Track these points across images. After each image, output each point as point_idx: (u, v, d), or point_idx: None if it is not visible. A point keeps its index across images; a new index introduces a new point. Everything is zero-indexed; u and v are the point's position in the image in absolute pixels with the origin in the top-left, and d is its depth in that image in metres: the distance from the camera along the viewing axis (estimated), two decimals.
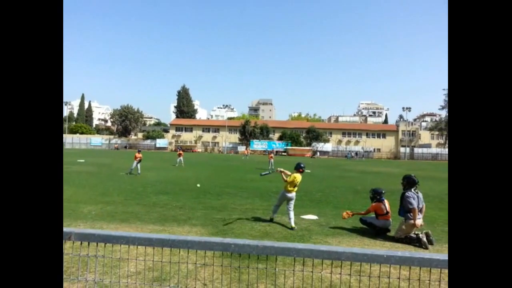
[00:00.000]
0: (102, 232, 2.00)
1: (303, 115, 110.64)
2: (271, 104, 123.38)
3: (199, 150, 73.21)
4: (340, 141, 73.41)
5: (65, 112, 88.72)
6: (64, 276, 4.01)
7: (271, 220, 7.28)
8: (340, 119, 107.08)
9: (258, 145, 68.87)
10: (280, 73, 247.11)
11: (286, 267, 4.15)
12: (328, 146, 69.79)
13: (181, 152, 26.63)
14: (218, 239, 1.93)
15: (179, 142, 74.30)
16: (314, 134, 68.69)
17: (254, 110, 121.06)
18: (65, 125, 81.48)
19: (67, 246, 2.11)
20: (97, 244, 2.00)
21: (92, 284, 3.65)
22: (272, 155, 26.28)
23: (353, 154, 60.51)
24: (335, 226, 7.02)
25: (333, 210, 8.77)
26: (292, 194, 7.10)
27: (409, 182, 6.20)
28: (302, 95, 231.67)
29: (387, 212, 6.55)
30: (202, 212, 8.07)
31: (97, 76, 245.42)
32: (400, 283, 3.47)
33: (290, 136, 69.27)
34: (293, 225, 6.71)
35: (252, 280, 3.95)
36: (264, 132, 70.53)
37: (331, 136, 73.45)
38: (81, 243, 2.03)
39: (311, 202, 10.07)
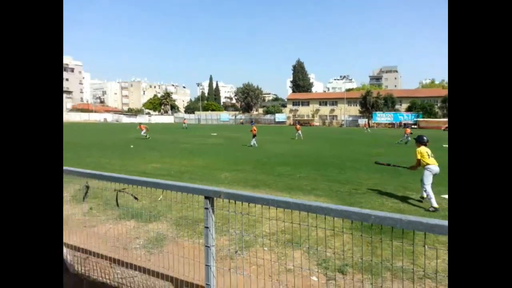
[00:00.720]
0: (246, 193, 2.20)
1: (437, 82, 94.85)
2: (396, 71, 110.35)
3: (317, 124, 72.81)
4: None
5: (198, 92, 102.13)
6: (214, 227, 4.75)
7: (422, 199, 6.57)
8: None
9: (382, 117, 63.33)
10: (406, 35, 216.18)
11: (428, 246, 3.75)
12: None
13: (298, 126, 27.39)
14: (356, 209, 1.83)
15: (296, 116, 75.63)
16: None
17: (376, 79, 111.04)
18: (199, 104, 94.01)
19: (219, 203, 2.43)
20: (242, 203, 2.22)
21: (234, 238, 4.18)
22: (408, 129, 23.77)
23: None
24: None
25: None
26: (435, 167, 6.25)
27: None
28: (435, 59, 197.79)
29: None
30: (326, 184, 8.06)
31: (221, 59, 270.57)
32: None
33: (421, 106, 60.88)
34: (435, 205, 5.91)
35: (387, 255, 3.74)
36: (388, 102, 64.14)
37: None
38: (229, 201, 2.30)
39: None
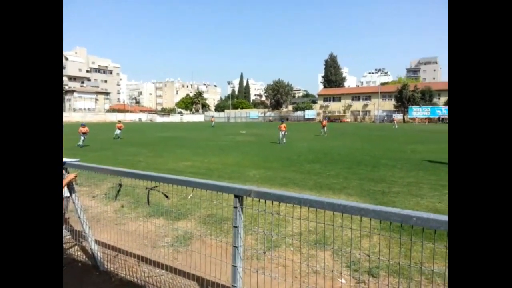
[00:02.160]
0: (276, 192, 2.15)
1: None
2: (436, 63, 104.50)
3: (348, 120, 70.89)
4: None
5: (228, 90, 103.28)
6: (243, 227, 4.75)
7: None
8: None
9: (418, 111, 60.26)
10: (445, 24, 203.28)
11: None
12: None
13: (324, 122, 27.16)
14: (396, 210, 1.73)
15: (326, 112, 74.12)
16: None
17: (414, 72, 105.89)
18: (229, 102, 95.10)
19: (249, 201, 2.40)
20: (272, 202, 2.17)
21: (262, 238, 4.15)
22: None
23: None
24: None
25: None
26: None
27: None
28: None
29: None
30: (357, 183, 7.79)
31: (252, 56, 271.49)
32: None
33: None
34: None
35: (425, 259, 3.52)
36: (426, 96, 60.87)
37: None
38: (259, 200, 2.25)
39: None
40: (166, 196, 3.03)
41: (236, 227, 2.38)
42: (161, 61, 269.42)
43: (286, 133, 19.16)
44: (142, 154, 14.00)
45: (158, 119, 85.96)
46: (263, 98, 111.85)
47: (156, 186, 2.93)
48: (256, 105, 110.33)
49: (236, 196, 2.34)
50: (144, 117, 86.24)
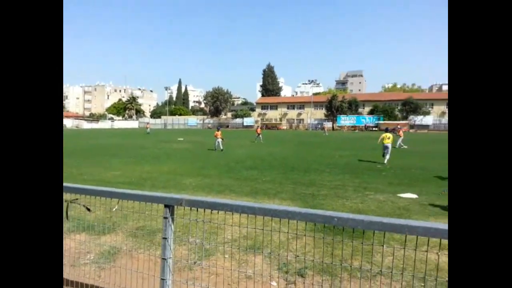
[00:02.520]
0: (209, 200, 2.13)
1: (398, 86, 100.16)
2: (361, 75, 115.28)
3: (284, 127, 73.93)
4: (443, 113, 64.35)
5: (166, 96, 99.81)
6: (173, 238, 4.58)
7: None
8: (444, 87, 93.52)
9: (346, 120, 65.65)
10: (372, 42, 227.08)
11: (381, 244, 3.87)
12: (428, 119, 61.99)
13: (259, 129, 28.09)
14: (320, 211, 1.85)
15: (264, 120, 76.35)
16: (412, 106, 61.54)
17: (342, 83, 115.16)
18: (167, 108, 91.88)
19: (179, 211, 2.34)
20: (204, 210, 2.14)
21: (195, 247, 4.06)
22: (399, 132, 20.65)
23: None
24: (439, 205, 6.24)
25: (435, 189, 7.81)
26: None
27: None
28: (398, 64, 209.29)
29: None
30: (290, 187, 8.14)
31: (190, 62, 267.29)
32: None
33: (382, 109, 63.85)
34: None
35: (346, 255, 3.81)
36: (352, 106, 66.64)
37: (432, 108, 64.89)
38: (190, 209, 2.21)
39: (410, 180, 9.16)
40: (88, 209, 2.78)
41: (165, 238, 2.29)
42: (91, 64, 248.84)
43: (222, 140, 19.14)
44: (66, 164, 12.64)
45: (86, 125, 78.99)
46: (202, 105, 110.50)
47: (77, 199, 2.67)
48: (195, 112, 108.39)
49: (166, 206, 2.26)
50: (70, 123, 78.40)
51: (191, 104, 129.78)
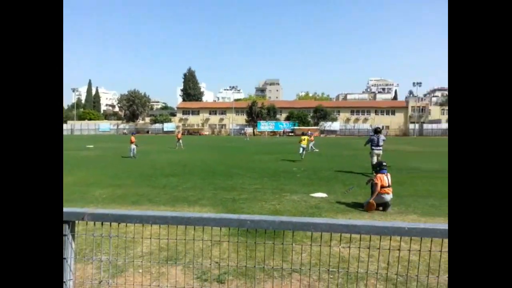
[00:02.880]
0: (116, 212, 1.94)
1: (310, 94, 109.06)
2: (278, 84, 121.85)
3: (206, 133, 73.39)
4: (348, 120, 72.55)
5: (73, 99, 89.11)
6: (78, 257, 4.07)
7: None
8: (348, 97, 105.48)
9: (265, 125, 68.58)
10: (287, 52, 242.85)
11: (298, 243, 4.12)
12: (336, 125, 69.09)
13: (180, 134, 27.43)
14: (234, 216, 1.85)
15: (186, 125, 74.57)
16: (322, 113, 67.83)
17: (261, 91, 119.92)
18: (74, 112, 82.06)
19: (80, 227, 2.07)
20: (110, 224, 1.94)
21: (106, 264, 3.68)
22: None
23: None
24: (344, 203, 6.96)
25: (342, 188, 8.69)
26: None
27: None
28: (310, 74, 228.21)
29: (388, 185, 6.48)
30: (212, 193, 8.08)
31: (103, 62, 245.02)
32: (411, 256, 3.39)
33: (297, 116, 68.65)
34: None
35: (265, 256, 3.94)
36: (271, 112, 70.00)
37: (339, 114, 72.54)
38: (94, 224, 1.98)
39: (320, 181, 10.00)
40: None
41: (64, 258, 2.01)
42: None
43: (137, 147, 17.95)
44: None
45: None
46: (117, 109, 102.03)
47: None
48: (107, 116, 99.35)
49: (65, 222, 1.98)
50: None
51: (103, 107, 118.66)
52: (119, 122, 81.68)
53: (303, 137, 17.11)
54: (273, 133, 67.29)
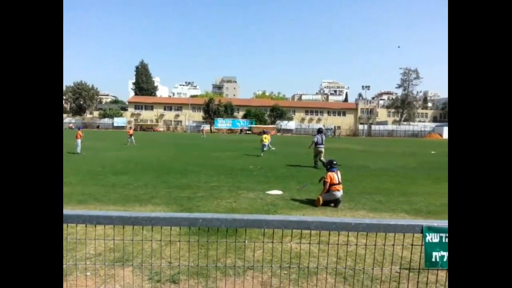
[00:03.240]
0: None
1: (267, 93, 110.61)
2: (235, 82, 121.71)
3: (161, 129, 70.90)
4: (303, 119, 74.96)
5: None
6: None
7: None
8: (303, 97, 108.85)
9: (223, 123, 68.17)
10: (244, 51, 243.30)
11: (253, 240, 4.17)
12: (291, 124, 71.00)
13: (131, 130, 26.15)
14: (185, 214, 1.83)
15: (138, 120, 71.30)
16: (278, 113, 69.27)
17: (218, 88, 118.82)
18: None
19: None
20: None
21: None
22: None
23: (330, 132, 59.47)
24: (298, 200, 7.20)
25: (297, 185, 8.97)
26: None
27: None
28: (266, 74, 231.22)
29: (339, 182, 6.85)
30: (166, 191, 7.85)
31: None
32: (364, 250, 3.62)
33: (254, 114, 69.25)
34: None
35: (220, 255, 3.93)
36: (228, 110, 69.75)
37: (294, 114, 74.61)
38: None
39: (276, 178, 10.22)
40: None
41: None
42: None
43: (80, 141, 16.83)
44: None
45: None
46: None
47: None
48: None
49: None
50: None
51: None
52: (65, 115, 75.54)
53: (264, 136, 18.40)
54: (231, 130, 67.16)
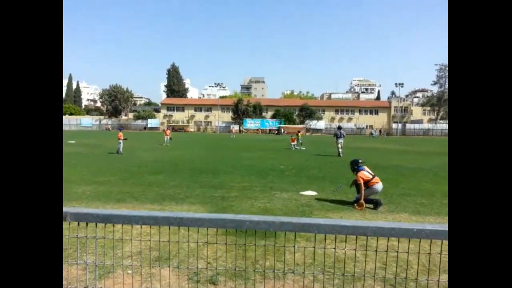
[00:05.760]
0: (101, 212, 1.80)
1: (295, 93, 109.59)
2: (264, 82, 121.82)
3: (192, 129, 72.58)
4: (333, 119, 73.41)
5: None
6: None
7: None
8: (332, 96, 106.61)
9: (251, 123, 68.45)
10: (272, 50, 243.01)
11: (290, 243, 4.06)
12: (321, 124, 69.75)
13: (168, 131, 26.80)
14: (231, 216, 1.77)
15: (171, 122, 73.46)
16: (307, 112, 68.31)
17: (246, 88, 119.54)
18: None
19: (73, 224, 1.93)
20: (96, 224, 1.81)
21: (92, 266, 3.50)
22: (293, 137, 25.42)
23: (374, 132, 59.15)
24: (334, 201, 6.98)
25: (330, 185, 8.73)
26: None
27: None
28: (295, 73, 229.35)
29: (373, 176, 6.62)
30: (200, 191, 7.93)
31: (84, 56, 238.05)
32: (408, 256, 3.38)
33: (283, 114, 68.82)
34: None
35: (258, 256, 3.86)
36: (257, 110, 69.89)
37: (324, 113, 73.24)
38: (78, 224, 1.84)
39: (308, 179, 10.02)
40: None
41: None
42: None
43: (125, 139, 17.70)
44: None
45: None
46: (98, 104, 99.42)
47: None
48: (89, 111, 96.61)
49: None
50: None
51: (84, 102, 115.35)
52: (102, 117, 79.63)
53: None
54: (257, 130, 67.19)
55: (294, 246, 1.96)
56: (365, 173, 6.62)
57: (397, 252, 2.00)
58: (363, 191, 6.39)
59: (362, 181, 6.44)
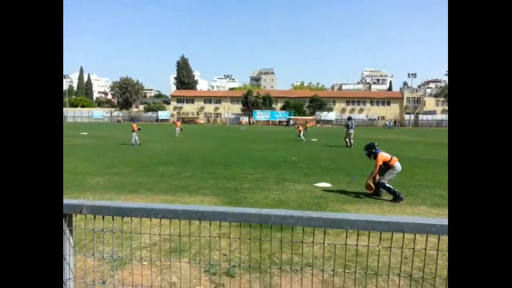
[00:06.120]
0: (117, 204, 1.71)
1: (305, 84, 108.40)
2: (273, 73, 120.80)
3: (202, 121, 72.78)
4: (343, 110, 72.45)
5: (65, 85, 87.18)
6: (77, 248, 3.87)
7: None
8: (343, 87, 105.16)
9: (261, 115, 68.10)
10: (281, 41, 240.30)
11: (307, 236, 3.96)
12: (331, 115, 68.96)
13: (178, 123, 26.70)
14: (255, 210, 1.65)
15: (180, 113, 73.74)
16: (318, 103, 67.52)
17: (256, 80, 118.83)
18: (65, 99, 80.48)
19: (78, 219, 1.86)
20: (113, 218, 1.73)
21: (108, 259, 3.48)
22: (300, 127, 25.69)
23: (389, 123, 58.10)
24: (349, 192, 6.84)
25: (344, 177, 8.57)
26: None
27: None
28: (304, 64, 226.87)
29: (391, 156, 6.56)
30: (212, 182, 7.89)
31: (94, 48, 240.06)
32: (434, 252, 3.24)
33: (293, 105, 68.23)
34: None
35: (274, 249, 3.78)
36: (266, 102, 69.46)
37: (334, 104, 72.32)
38: (94, 217, 1.76)
39: (322, 170, 9.87)
40: None
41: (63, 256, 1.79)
42: None
43: (139, 130, 17.92)
44: None
45: None
46: (109, 96, 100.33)
47: None
48: (100, 103, 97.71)
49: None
50: None
51: (96, 94, 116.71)
52: (113, 109, 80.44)
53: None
54: (268, 122, 66.86)
55: (324, 243, 1.84)
56: (384, 154, 6.57)
57: (425, 249, 1.86)
58: (377, 169, 6.45)
59: (381, 163, 6.46)
